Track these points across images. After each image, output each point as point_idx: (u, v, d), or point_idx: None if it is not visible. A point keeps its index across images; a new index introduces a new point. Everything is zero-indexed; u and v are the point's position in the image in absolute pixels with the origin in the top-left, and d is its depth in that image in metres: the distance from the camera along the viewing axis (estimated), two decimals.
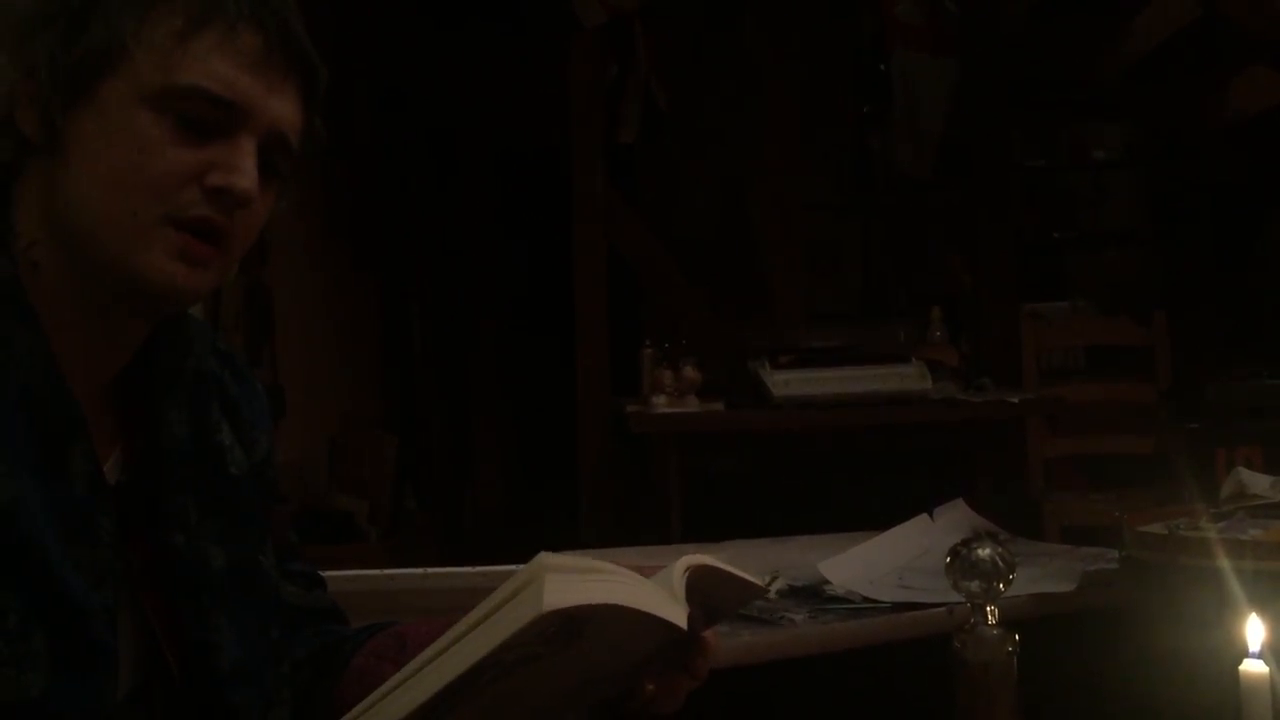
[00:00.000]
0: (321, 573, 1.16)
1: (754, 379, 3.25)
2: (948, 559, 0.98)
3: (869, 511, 1.96)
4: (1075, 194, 5.66)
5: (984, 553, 0.96)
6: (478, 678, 0.76)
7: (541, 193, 5.17)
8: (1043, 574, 1.68)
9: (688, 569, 0.87)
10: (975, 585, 0.96)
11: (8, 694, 0.78)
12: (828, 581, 1.64)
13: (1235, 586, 1.26)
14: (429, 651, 0.76)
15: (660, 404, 3.28)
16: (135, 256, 0.85)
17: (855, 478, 3.56)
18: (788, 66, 4.24)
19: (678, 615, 0.82)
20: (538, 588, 0.71)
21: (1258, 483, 1.68)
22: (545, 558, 0.74)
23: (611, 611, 0.76)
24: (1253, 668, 0.87)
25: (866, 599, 1.58)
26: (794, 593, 1.66)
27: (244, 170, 0.87)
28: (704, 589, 0.88)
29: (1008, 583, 0.96)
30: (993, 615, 0.95)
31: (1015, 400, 3.35)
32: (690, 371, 3.31)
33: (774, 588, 1.67)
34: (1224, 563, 1.31)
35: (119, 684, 0.86)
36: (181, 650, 0.92)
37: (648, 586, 0.81)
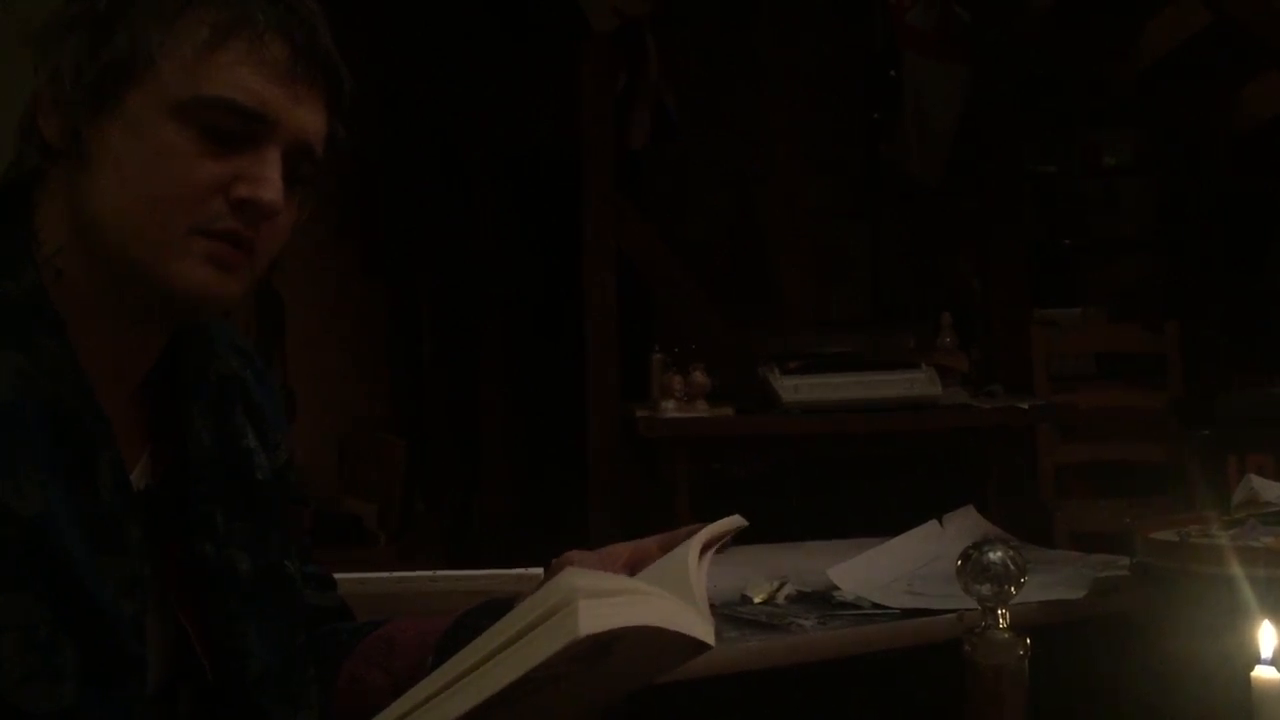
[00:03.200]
0: (331, 575, 1.17)
1: (763, 384, 3.25)
2: (959, 562, 0.98)
3: (878, 517, 1.96)
4: (1086, 200, 5.66)
5: (995, 556, 0.95)
6: (506, 697, 0.75)
7: (551, 198, 5.18)
8: (1053, 581, 1.68)
9: (700, 562, 0.87)
10: (987, 588, 0.95)
11: (40, 705, 0.78)
12: (837, 587, 1.64)
13: (1247, 593, 1.25)
14: (454, 667, 0.76)
15: (669, 409, 3.28)
16: (165, 266, 0.85)
17: (864, 483, 3.56)
18: (798, 72, 4.24)
19: (706, 632, 0.82)
20: (572, 612, 0.71)
21: (1270, 490, 1.67)
22: (574, 578, 0.74)
23: (644, 631, 0.76)
24: (1265, 674, 0.86)
25: (876, 605, 1.58)
26: (803, 598, 1.65)
27: (270, 182, 0.86)
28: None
29: (1019, 586, 0.96)
30: (1004, 619, 0.94)
31: (1025, 407, 3.35)
32: (699, 376, 3.31)
33: (783, 594, 1.66)
34: (1236, 570, 1.30)
35: (148, 689, 0.87)
36: (213, 655, 0.92)
37: (675, 602, 0.81)
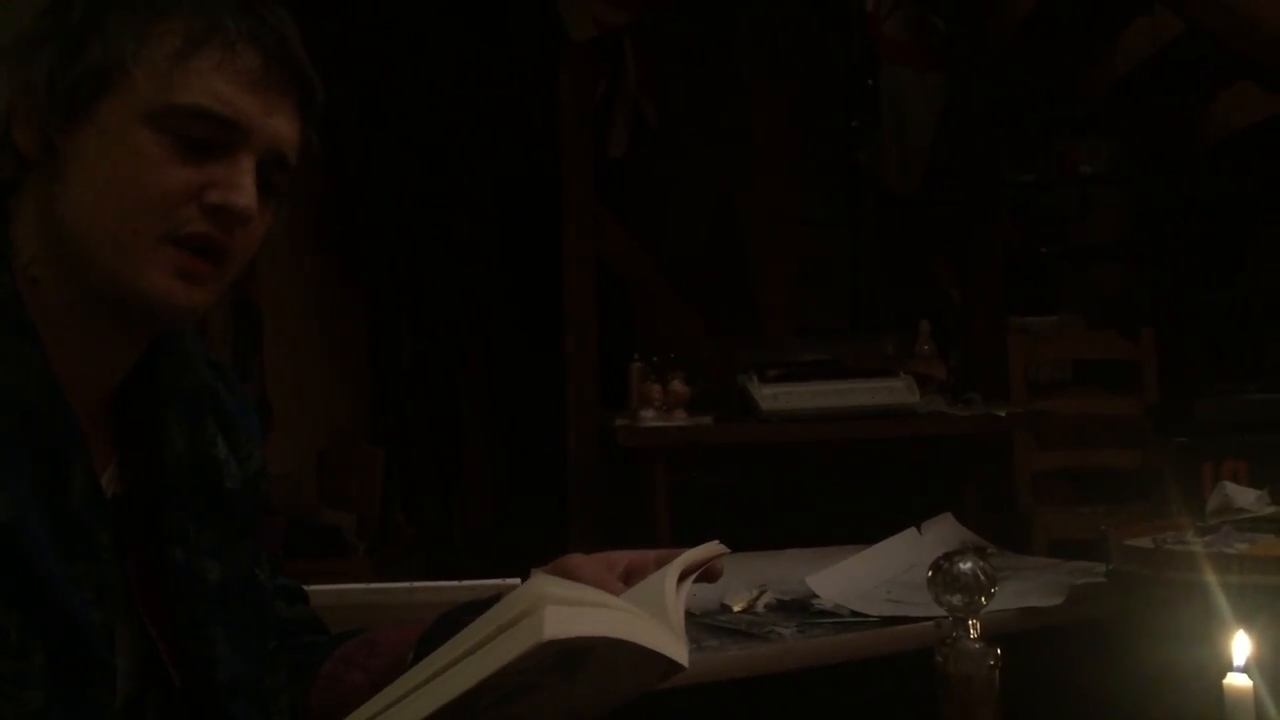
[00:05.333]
0: (308, 586, 1.17)
1: (742, 393, 3.25)
2: (929, 573, 0.99)
3: (857, 525, 1.97)
4: (1062, 209, 5.70)
5: (965, 566, 0.96)
6: (475, 701, 0.75)
7: (531, 207, 5.18)
8: (1030, 587, 1.69)
9: (678, 587, 0.87)
10: (957, 599, 0.96)
11: (6, 711, 0.78)
12: (816, 595, 1.64)
13: (1221, 601, 1.26)
14: (423, 670, 0.76)
15: (649, 418, 3.28)
16: (134, 274, 0.86)
17: (843, 491, 3.57)
18: (777, 82, 4.26)
19: (679, 652, 0.82)
20: (538, 617, 0.71)
21: (1244, 497, 1.69)
22: (544, 585, 0.74)
23: (614, 645, 0.76)
24: (1237, 682, 0.87)
25: (855, 613, 1.58)
26: (782, 607, 1.66)
27: (243, 188, 0.87)
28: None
29: (989, 596, 0.96)
30: (974, 629, 0.95)
31: (1003, 414, 3.36)
32: (678, 385, 3.32)
33: (762, 602, 1.67)
34: (1210, 577, 1.31)
35: (117, 696, 0.87)
36: (181, 662, 0.92)
37: (647, 620, 0.81)
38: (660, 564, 0.97)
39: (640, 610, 0.80)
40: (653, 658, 0.80)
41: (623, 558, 1.01)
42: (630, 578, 0.98)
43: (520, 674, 0.74)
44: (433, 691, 0.74)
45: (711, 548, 0.98)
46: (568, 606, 0.73)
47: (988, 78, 4.14)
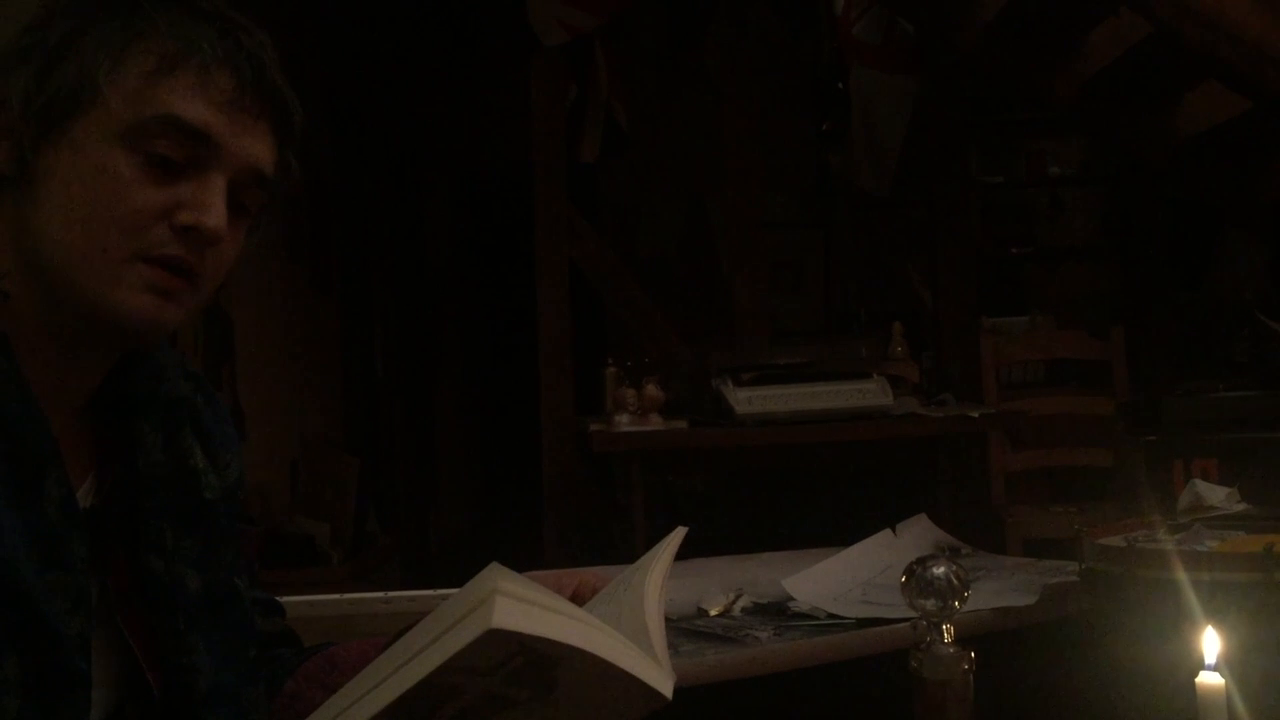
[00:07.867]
0: (282, 598, 1.17)
1: (717, 397, 3.26)
2: (903, 578, 0.99)
3: (832, 527, 1.97)
4: (1033, 210, 5.73)
5: (939, 571, 0.96)
6: (439, 705, 0.74)
7: (503, 212, 5.17)
8: (1004, 587, 1.70)
9: (660, 605, 0.85)
10: (931, 603, 0.96)
11: None
12: (792, 598, 1.65)
13: (1192, 598, 1.27)
14: (376, 669, 0.75)
15: (623, 423, 3.28)
16: (106, 292, 0.86)
17: (818, 494, 3.58)
18: (748, 85, 4.27)
19: (659, 680, 0.78)
20: (488, 607, 0.69)
21: (1214, 494, 1.70)
22: (497, 576, 0.71)
23: (585, 661, 0.73)
24: (1209, 680, 0.87)
25: (831, 615, 1.59)
26: (759, 610, 1.66)
27: (214, 209, 0.88)
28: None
29: (963, 600, 0.97)
30: (948, 633, 0.95)
31: (976, 414, 3.38)
32: (653, 390, 3.32)
33: (739, 605, 1.67)
34: (1181, 575, 1.32)
35: (94, 707, 0.86)
36: (161, 673, 0.92)
37: (623, 642, 0.77)
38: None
39: (614, 630, 0.77)
40: (632, 684, 0.77)
41: (574, 579, 1.01)
42: (579, 601, 0.96)
43: (484, 676, 0.72)
44: (388, 687, 0.72)
45: (675, 538, 0.97)
46: (520, 602, 0.70)
47: (957, 80, 4.17)
